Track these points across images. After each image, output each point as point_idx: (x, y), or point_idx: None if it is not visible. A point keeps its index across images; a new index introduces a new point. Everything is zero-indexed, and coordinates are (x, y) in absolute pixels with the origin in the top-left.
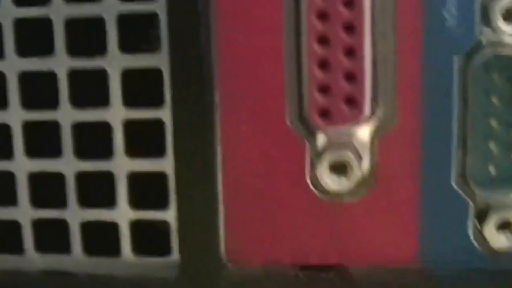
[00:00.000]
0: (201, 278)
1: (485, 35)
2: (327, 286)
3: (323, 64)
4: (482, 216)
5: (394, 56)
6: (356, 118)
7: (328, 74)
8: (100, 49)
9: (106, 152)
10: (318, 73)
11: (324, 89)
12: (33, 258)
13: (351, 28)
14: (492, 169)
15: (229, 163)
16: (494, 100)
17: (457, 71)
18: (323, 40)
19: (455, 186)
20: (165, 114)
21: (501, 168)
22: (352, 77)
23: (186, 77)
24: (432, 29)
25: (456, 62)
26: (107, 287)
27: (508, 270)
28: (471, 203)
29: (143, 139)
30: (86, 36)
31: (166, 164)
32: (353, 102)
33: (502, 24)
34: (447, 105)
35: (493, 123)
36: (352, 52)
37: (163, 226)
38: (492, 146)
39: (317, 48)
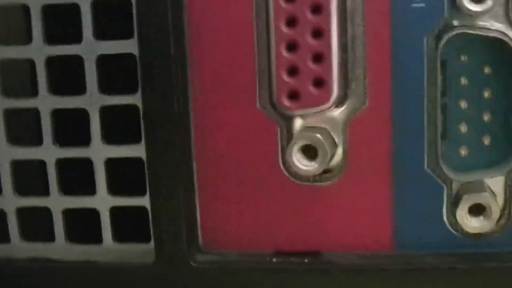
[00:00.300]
0: (176, 263)
1: (454, 16)
2: (302, 271)
3: (291, 46)
4: (455, 199)
5: (363, 37)
6: (325, 100)
7: (296, 56)
8: (76, 36)
9: (84, 139)
10: (286, 55)
11: (292, 71)
12: (18, 246)
13: (319, 9)
14: (464, 152)
15: (203, 149)
16: (464, 81)
17: (427, 52)
18: (290, 22)
19: (427, 170)
20: (139, 100)
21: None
22: (320, 58)
23: (158, 63)
24: (401, 10)
25: (426, 43)
26: (88, 273)
27: (482, 253)
28: (444, 186)
29: (121, 125)
30: (62, 24)
31: (142, 151)
32: (321, 83)
33: (470, 6)
34: (417, 87)
35: (464, 105)
36: (319, 33)
37: (142, 212)
38: (463, 128)
39: (285, 30)
